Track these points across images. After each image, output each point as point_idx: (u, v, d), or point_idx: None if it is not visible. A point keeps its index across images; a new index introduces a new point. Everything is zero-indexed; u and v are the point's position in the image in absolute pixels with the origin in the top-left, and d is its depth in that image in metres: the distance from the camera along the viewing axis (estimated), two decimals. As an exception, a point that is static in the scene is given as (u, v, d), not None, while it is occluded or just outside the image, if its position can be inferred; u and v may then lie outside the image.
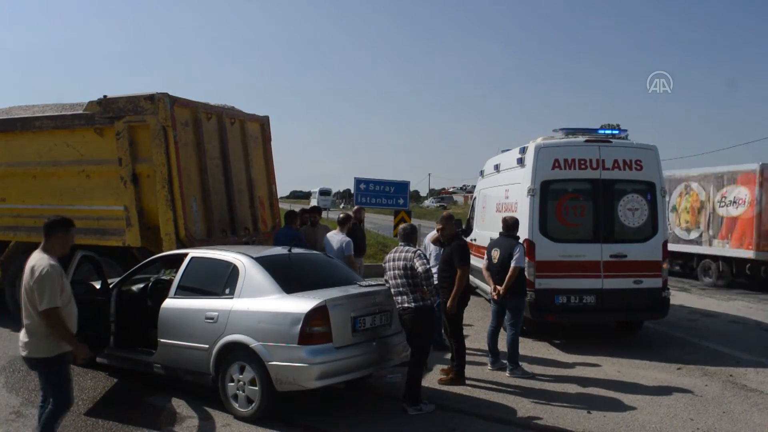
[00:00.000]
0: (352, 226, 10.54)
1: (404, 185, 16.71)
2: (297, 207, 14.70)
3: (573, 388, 7.36)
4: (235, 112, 10.64)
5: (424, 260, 6.54)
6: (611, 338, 9.94)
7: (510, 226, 8.20)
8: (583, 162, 9.31)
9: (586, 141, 9.57)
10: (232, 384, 6.15)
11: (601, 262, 9.17)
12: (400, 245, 6.85)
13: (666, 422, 6.30)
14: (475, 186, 14.16)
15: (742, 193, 15.61)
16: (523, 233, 8.70)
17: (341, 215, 9.77)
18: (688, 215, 17.48)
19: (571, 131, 9.96)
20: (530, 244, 9.02)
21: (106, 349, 7.20)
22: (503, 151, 11.32)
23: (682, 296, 14.58)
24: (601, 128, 10.45)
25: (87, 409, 6.47)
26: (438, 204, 71.67)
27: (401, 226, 7.22)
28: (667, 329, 10.70)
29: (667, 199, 9.62)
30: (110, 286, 7.33)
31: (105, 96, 9.24)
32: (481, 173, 12.88)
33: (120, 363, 7.32)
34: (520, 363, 7.91)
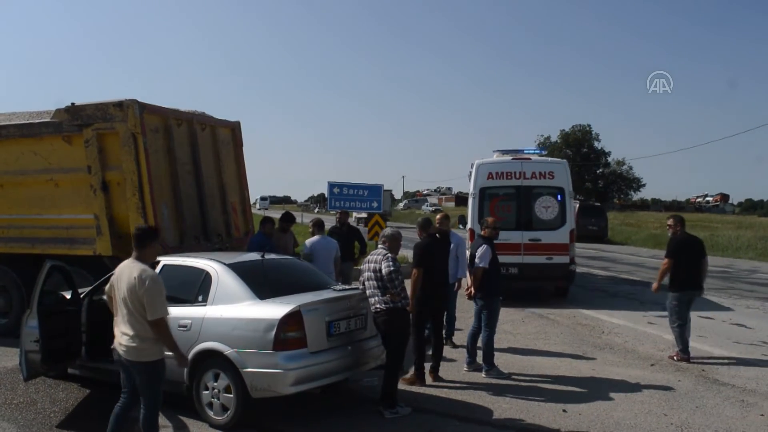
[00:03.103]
0: (347, 230, 10.63)
1: (378, 188, 16.67)
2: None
3: (548, 387, 7.41)
4: (205, 117, 10.54)
5: (390, 263, 6.55)
6: (585, 337, 10.03)
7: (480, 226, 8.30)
8: (509, 174, 12.92)
9: (513, 159, 13.17)
10: (207, 392, 6.10)
11: (522, 244, 12.63)
12: (379, 248, 6.86)
13: (641, 418, 6.37)
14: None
15: None
16: (469, 219, 12.88)
17: (314, 219, 10.10)
18: None
19: (505, 152, 13.58)
20: (472, 231, 12.35)
21: (77, 359, 7.08)
22: (494, 152, 14.11)
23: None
24: (537, 148, 14.61)
25: (59, 421, 6.38)
26: (433, 208, 72.21)
27: (383, 230, 7.28)
28: (640, 326, 10.84)
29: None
30: (81, 296, 7.22)
31: (73, 103, 9.10)
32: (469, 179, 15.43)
33: (92, 374, 7.21)
34: (496, 363, 7.94)
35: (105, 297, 7.62)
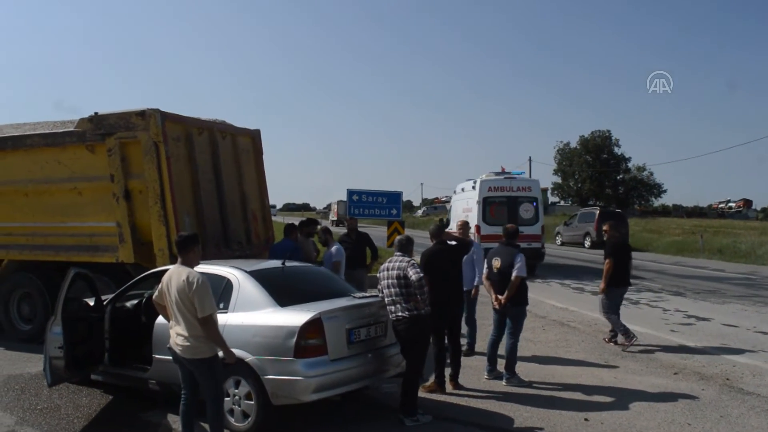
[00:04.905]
0: (356, 236, 10.68)
1: (397, 195, 16.75)
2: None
3: (569, 396, 7.36)
4: (226, 126, 10.64)
5: (418, 269, 6.54)
6: (606, 345, 9.94)
7: (510, 234, 8.22)
8: (502, 188, 18.96)
9: (504, 178, 19.32)
10: (228, 398, 6.11)
11: None
12: (396, 255, 6.85)
13: (664, 428, 6.30)
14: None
15: None
16: (473, 222, 17.52)
17: (323, 227, 10.53)
18: None
19: (499, 173, 19.73)
20: (478, 227, 17.95)
21: (100, 366, 7.17)
22: (489, 172, 20.10)
23: (677, 300, 14.62)
24: (514, 171, 20.60)
25: (82, 426, 6.45)
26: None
27: (397, 237, 7.24)
28: (663, 334, 10.73)
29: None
30: (104, 303, 7.31)
31: (96, 113, 9.24)
32: (455, 192, 22.55)
33: (115, 380, 7.29)
34: (516, 371, 7.89)
35: (128, 304, 7.81)
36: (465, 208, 20.15)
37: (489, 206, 18.70)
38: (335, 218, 56.44)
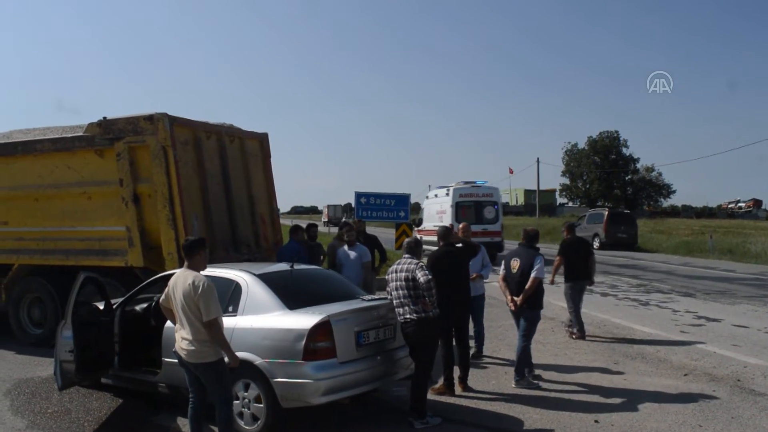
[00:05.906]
0: (364, 239, 10.65)
1: (405, 198, 16.75)
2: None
3: (579, 397, 7.33)
4: (234, 130, 10.66)
5: (426, 271, 6.53)
6: (616, 347, 9.91)
7: (531, 236, 8.22)
8: (470, 194, 23.18)
9: (472, 186, 23.36)
10: (237, 401, 6.12)
11: (478, 231, 20.13)
12: (404, 257, 6.85)
13: (675, 429, 6.27)
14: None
15: None
16: (447, 221, 21.14)
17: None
18: None
19: (467, 182, 23.59)
20: (452, 226, 16.66)
21: (110, 369, 7.20)
22: (460, 181, 23.95)
23: (687, 301, 14.55)
24: (479, 180, 23.96)
25: (93, 430, 6.47)
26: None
27: (406, 239, 7.24)
28: (673, 335, 10.68)
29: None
30: (114, 307, 7.34)
31: (105, 117, 9.28)
32: (427, 197, 26.84)
33: (125, 383, 7.31)
34: (526, 373, 7.87)
35: (137, 308, 7.84)
36: (439, 210, 24.06)
37: (460, 209, 22.72)
38: (326, 219, 64.55)
